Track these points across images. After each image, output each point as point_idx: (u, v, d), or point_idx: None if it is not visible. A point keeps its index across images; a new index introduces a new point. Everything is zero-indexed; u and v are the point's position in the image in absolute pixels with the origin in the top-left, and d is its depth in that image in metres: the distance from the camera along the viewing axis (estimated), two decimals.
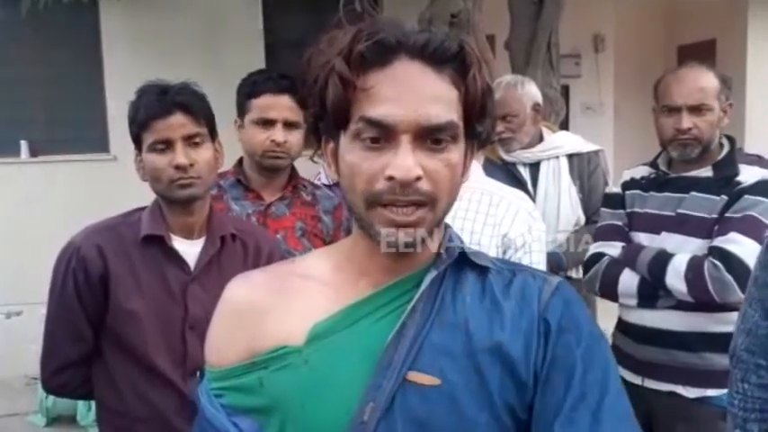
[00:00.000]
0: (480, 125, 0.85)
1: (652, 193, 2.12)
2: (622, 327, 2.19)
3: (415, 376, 0.81)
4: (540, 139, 2.69)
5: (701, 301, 1.92)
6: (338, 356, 0.84)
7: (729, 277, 1.86)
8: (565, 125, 4.87)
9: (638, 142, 6.68)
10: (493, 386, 0.81)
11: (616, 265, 2.09)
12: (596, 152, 2.73)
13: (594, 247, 2.19)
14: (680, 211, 2.03)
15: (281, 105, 1.99)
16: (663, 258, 1.98)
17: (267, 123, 2.00)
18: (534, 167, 2.66)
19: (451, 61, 0.81)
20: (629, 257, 2.07)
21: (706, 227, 1.97)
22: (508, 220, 1.73)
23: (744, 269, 1.83)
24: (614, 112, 7.02)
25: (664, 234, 2.05)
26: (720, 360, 1.90)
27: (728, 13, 6.41)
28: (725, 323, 1.94)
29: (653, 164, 2.18)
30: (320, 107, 0.83)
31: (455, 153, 0.82)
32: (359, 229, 0.87)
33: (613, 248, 2.13)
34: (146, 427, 1.59)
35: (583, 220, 2.64)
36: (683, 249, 1.97)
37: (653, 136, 2.15)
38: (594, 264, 2.15)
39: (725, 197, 1.96)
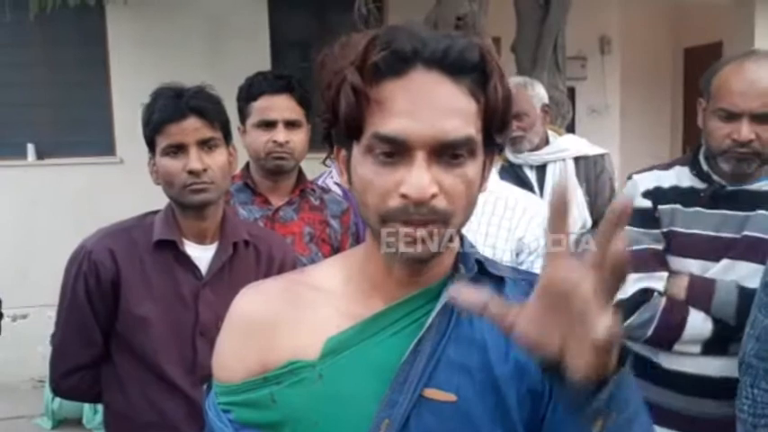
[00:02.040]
0: (500, 137, 0.81)
1: (698, 208, 1.71)
2: (663, 378, 1.74)
3: (431, 393, 0.79)
4: (547, 141, 2.69)
5: None
6: (352, 372, 0.82)
7: None
8: (571, 127, 4.87)
9: (644, 144, 6.67)
10: (510, 402, 0.80)
11: (678, 306, 1.68)
12: (602, 155, 2.73)
13: (634, 281, 1.72)
14: (746, 233, 1.65)
15: (279, 105, 1.97)
16: (752, 299, 1.57)
17: (268, 125, 1.98)
18: (540, 170, 2.66)
19: (471, 72, 0.76)
20: (699, 296, 1.67)
21: None
22: (524, 224, 1.74)
23: None
24: (620, 115, 7.01)
25: (725, 261, 1.67)
26: None
27: (735, 16, 6.39)
28: None
29: (698, 171, 1.75)
30: (332, 116, 0.79)
31: (472, 168, 0.78)
32: (374, 240, 0.83)
33: (659, 281, 1.71)
34: None
35: (589, 223, 2.64)
36: (754, 281, 1.61)
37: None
38: (641, 303, 1.71)
39: None
